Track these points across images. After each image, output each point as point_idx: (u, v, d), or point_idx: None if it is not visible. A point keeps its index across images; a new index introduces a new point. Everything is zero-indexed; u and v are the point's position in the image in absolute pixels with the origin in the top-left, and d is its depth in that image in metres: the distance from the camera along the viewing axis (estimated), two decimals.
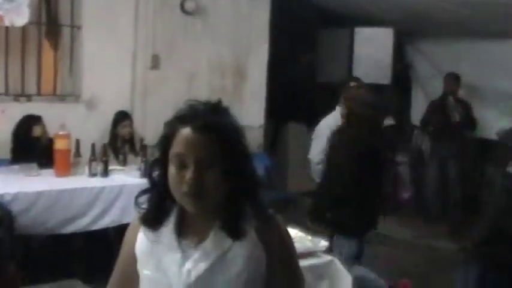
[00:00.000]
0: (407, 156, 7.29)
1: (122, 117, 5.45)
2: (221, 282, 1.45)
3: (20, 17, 5.21)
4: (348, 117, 3.91)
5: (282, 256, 1.51)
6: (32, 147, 4.96)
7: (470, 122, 6.61)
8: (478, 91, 6.84)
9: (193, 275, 1.45)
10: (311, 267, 3.00)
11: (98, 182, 4.67)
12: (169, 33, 6.12)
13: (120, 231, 4.49)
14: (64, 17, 5.76)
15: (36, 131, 4.97)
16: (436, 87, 6.82)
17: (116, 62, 5.84)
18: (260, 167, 6.08)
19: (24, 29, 5.40)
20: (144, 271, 1.51)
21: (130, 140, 5.41)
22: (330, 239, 3.53)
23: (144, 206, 1.53)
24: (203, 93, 5.93)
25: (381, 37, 7.02)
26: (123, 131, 5.38)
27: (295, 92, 7.66)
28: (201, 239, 1.47)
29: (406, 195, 7.21)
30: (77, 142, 4.84)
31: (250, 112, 6.28)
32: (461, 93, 6.69)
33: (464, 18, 6.11)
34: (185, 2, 6.16)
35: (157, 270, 1.49)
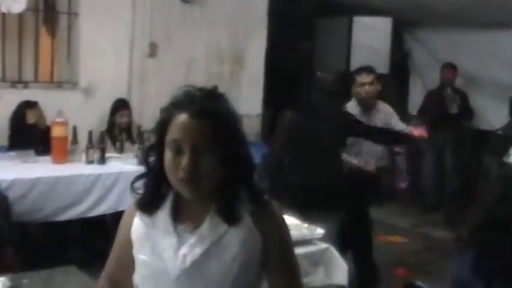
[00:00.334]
0: (405, 146, 7.30)
1: (121, 105, 5.45)
2: (216, 267, 1.46)
3: (17, 3, 5.19)
4: None
5: (277, 241, 1.51)
6: (28, 134, 4.96)
7: (467, 112, 6.62)
8: (476, 81, 6.85)
9: (189, 259, 1.46)
10: (307, 255, 3.01)
11: (94, 169, 4.67)
12: (167, 21, 6.10)
13: (116, 218, 4.52)
14: (61, 4, 5.74)
15: (31, 116, 4.97)
16: (434, 77, 6.82)
17: (114, 49, 5.83)
18: (257, 155, 6.08)
19: (21, 15, 5.38)
20: (140, 256, 1.52)
21: (127, 128, 5.41)
22: None
23: (140, 191, 1.53)
24: (201, 80, 5.85)
25: (379, 26, 7.00)
26: (121, 119, 5.37)
27: (292, 81, 7.65)
28: (196, 224, 1.48)
29: (403, 184, 7.24)
30: (74, 129, 4.84)
31: (248, 100, 6.27)
32: (459, 82, 6.70)
33: (462, 8, 6.10)
34: None
35: (153, 254, 1.49)
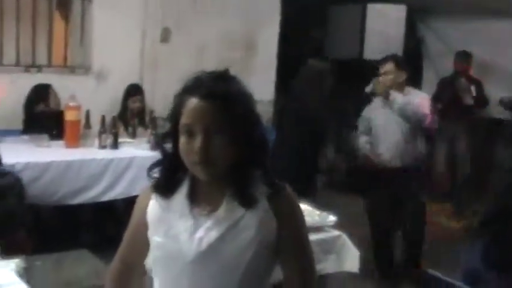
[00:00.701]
0: None
1: (134, 91, 5.46)
2: (232, 251, 1.46)
3: None
4: None
5: (293, 227, 1.52)
6: (43, 118, 5.00)
7: (481, 101, 6.56)
8: (490, 69, 6.78)
9: (205, 242, 1.47)
10: (319, 242, 3.02)
11: (107, 154, 4.70)
12: (179, 6, 6.08)
13: (128, 203, 4.57)
14: None
15: (51, 102, 5.02)
16: (447, 65, 6.77)
17: (126, 34, 5.83)
18: (269, 141, 6.08)
19: (35, 0, 5.39)
20: (155, 237, 1.53)
21: (140, 113, 5.43)
22: None
23: (156, 175, 1.55)
24: (213, 66, 5.74)
25: (393, 14, 6.95)
26: (134, 105, 5.39)
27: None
28: (212, 207, 1.49)
29: None
30: (87, 113, 4.87)
31: (260, 86, 6.24)
32: (473, 71, 6.64)
33: None
34: None
35: (168, 236, 1.50)
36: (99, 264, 2.89)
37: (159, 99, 5.66)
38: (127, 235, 1.66)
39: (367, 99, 4.51)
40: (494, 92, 6.65)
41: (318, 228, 3.08)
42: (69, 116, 4.71)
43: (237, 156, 1.45)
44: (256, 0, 6.52)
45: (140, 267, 1.62)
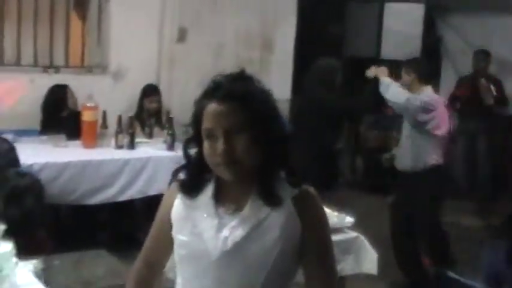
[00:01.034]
0: None
1: (151, 91, 5.46)
2: (257, 250, 1.47)
3: None
4: None
5: (316, 228, 1.52)
6: (61, 118, 5.03)
7: (502, 100, 6.48)
8: (509, 67, 6.70)
9: (230, 241, 1.48)
10: (337, 243, 2.97)
11: (124, 153, 4.71)
12: (196, 5, 6.08)
13: (145, 202, 4.59)
14: None
15: (69, 103, 5.05)
16: (467, 63, 6.70)
17: (143, 34, 5.84)
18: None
19: (52, 0, 5.41)
20: (180, 236, 1.54)
21: (156, 113, 5.43)
22: None
23: (181, 176, 1.58)
24: (230, 65, 5.85)
25: (411, 12, 6.91)
26: (150, 105, 5.39)
27: None
28: (238, 207, 1.50)
29: None
30: (104, 114, 4.88)
31: (277, 85, 6.19)
32: (493, 68, 6.57)
33: None
34: None
35: (193, 235, 1.52)
36: (116, 264, 2.90)
37: (175, 99, 5.65)
38: (151, 234, 1.67)
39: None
40: None
41: (336, 230, 3.05)
42: (86, 116, 4.72)
43: (261, 155, 1.46)
44: None
45: (163, 268, 1.64)
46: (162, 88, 5.68)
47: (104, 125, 4.88)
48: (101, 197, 4.50)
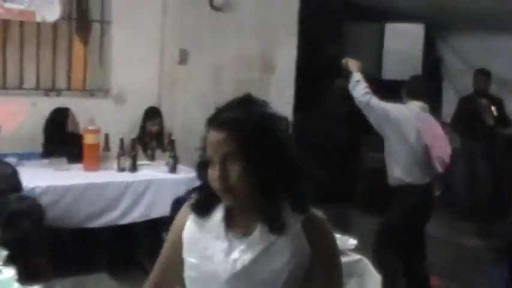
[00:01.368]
0: None
1: (153, 114, 5.47)
2: (266, 274, 1.49)
3: (52, 12, 5.27)
4: None
5: (326, 255, 1.54)
6: (63, 141, 5.03)
7: (503, 121, 6.48)
8: (510, 86, 6.72)
9: (239, 264, 1.50)
10: None
11: (126, 176, 4.71)
12: (197, 28, 6.12)
13: (146, 225, 4.57)
14: (94, 12, 5.81)
15: (70, 125, 5.06)
16: (468, 83, 6.72)
17: (144, 56, 5.87)
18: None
19: (55, 24, 5.46)
20: (190, 259, 1.57)
21: (158, 136, 5.44)
22: None
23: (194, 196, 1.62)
24: (230, 87, 5.93)
25: (411, 32, 6.94)
26: (152, 128, 5.40)
27: (322, 87, 7.62)
28: (247, 231, 1.53)
29: (437, 192, 7.15)
30: (106, 136, 4.89)
31: (278, 106, 6.11)
32: (494, 88, 6.58)
33: (495, 13, 6.01)
34: None
35: (202, 257, 1.55)
36: (117, 287, 2.88)
37: (177, 121, 5.67)
38: (163, 252, 1.69)
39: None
40: None
41: None
42: (88, 139, 4.73)
43: (261, 182, 1.46)
44: (273, 20, 6.53)
45: None
46: (164, 110, 5.70)
47: (106, 148, 4.88)
48: (103, 220, 4.49)
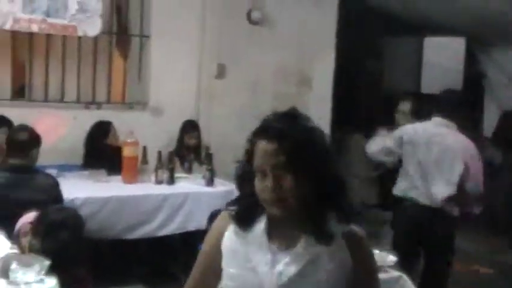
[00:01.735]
0: None
1: (191, 127, 5.51)
2: (311, 285, 1.52)
3: (93, 27, 5.38)
4: None
5: (367, 271, 1.59)
6: (102, 153, 5.10)
7: None
8: None
9: (284, 277, 1.52)
10: None
11: (163, 189, 4.74)
12: (234, 42, 6.16)
13: (183, 238, 4.58)
14: (134, 27, 5.90)
15: (111, 139, 5.12)
16: (510, 98, 6.58)
17: (182, 70, 5.93)
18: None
19: (96, 39, 5.56)
20: (230, 269, 1.58)
21: (196, 149, 5.46)
22: None
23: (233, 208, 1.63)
24: (267, 101, 5.93)
25: (451, 46, 6.86)
26: (190, 141, 5.44)
27: (360, 101, 7.57)
28: (291, 243, 1.54)
29: (477, 210, 6.97)
30: (144, 149, 4.93)
31: (315, 121, 6.14)
32: None
33: None
34: (251, 12, 6.19)
35: (244, 268, 1.56)
36: None
37: (214, 135, 5.69)
38: (199, 262, 1.68)
39: None
40: None
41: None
42: (127, 151, 4.78)
43: (311, 193, 1.50)
44: (311, 34, 6.53)
45: None
46: (201, 124, 5.73)
47: (144, 161, 4.93)
48: (140, 232, 4.52)
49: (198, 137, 5.49)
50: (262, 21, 6.26)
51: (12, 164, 3.69)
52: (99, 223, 4.31)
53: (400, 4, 6.86)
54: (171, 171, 4.85)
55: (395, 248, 3.68)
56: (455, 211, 3.91)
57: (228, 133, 5.51)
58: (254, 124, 1.58)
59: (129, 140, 4.81)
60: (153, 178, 4.83)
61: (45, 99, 5.50)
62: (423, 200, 3.92)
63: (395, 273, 3.05)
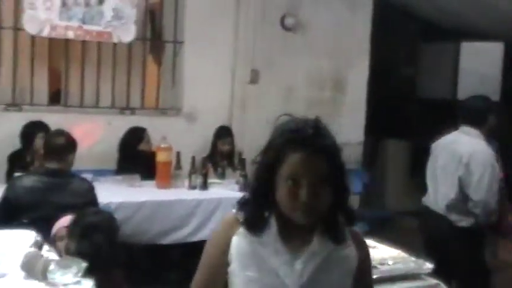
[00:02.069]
0: None
1: (224, 133, 5.52)
2: (331, 281, 1.59)
3: (127, 33, 5.44)
4: None
5: (366, 271, 1.70)
6: (136, 158, 5.13)
7: None
8: None
9: (306, 274, 1.57)
10: None
11: (197, 194, 4.74)
12: (268, 48, 6.15)
13: None
14: (168, 33, 5.94)
15: (145, 145, 5.15)
16: None
17: (216, 76, 5.94)
18: (358, 184, 5.94)
19: (130, 44, 5.62)
20: (247, 273, 1.58)
21: (229, 154, 5.46)
22: None
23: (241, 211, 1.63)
24: (301, 107, 5.90)
25: (489, 51, 6.70)
26: (224, 147, 5.45)
27: (395, 107, 7.47)
28: (304, 242, 1.59)
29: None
30: (178, 154, 4.95)
31: (349, 127, 6.15)
32: None
33: None
34: (285, 18, 6.18)
35: (262, 271, 1.57)
36: None
37: (248, 141, 5.68)
38: (205, 266, 1.67)
39: None
40: None
41: (413, 276, 2.92)
42: (160, 157, 4.80)
43: (336, 201, 1.58)
44: (345, 39, 6.48)
45: None
46: (235, 129, 5.73)
47: (178, 166, 4.94)
48: (173, 237, 4.53)
49: (232, 143, 5.49)
50: (296, 27, 6.24)
51: (49, 168, 3.73)
52: (133, 228, 4.33)
53: (437, 9, 6.76)
54: (205, 177, 4.86)
55: (427, 256, 3.61)
56: (464, 221, 3.78)
57: (262, 139, 5.46)
58: None
59: (162, 145, 4.83)
60: (186, 183, 4.84)
61: (81, 105, 5.58)
62: (432, 206, 3.92)
63: (433, 281, 2.98)
